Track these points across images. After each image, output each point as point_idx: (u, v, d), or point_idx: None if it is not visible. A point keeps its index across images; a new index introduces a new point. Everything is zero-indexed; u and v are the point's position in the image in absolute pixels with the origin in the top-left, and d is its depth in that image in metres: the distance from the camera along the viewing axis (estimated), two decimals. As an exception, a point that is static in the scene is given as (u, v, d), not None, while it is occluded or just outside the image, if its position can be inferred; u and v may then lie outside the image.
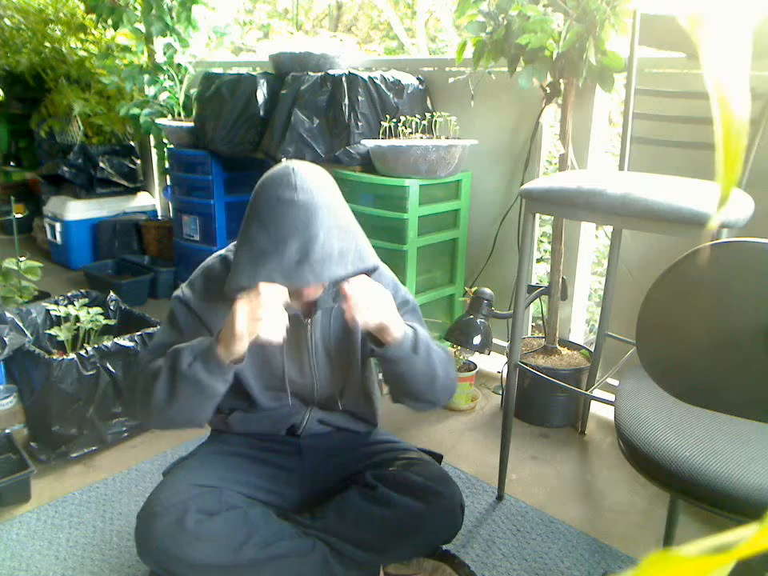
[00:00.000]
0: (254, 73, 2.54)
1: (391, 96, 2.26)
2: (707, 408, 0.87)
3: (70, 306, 1.98)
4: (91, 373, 1.76)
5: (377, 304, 1.05)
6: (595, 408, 2.03)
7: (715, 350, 0.83)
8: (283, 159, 1.10)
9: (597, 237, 2.33)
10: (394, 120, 2.13)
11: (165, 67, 3.07)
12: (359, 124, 2.20)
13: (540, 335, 2.18)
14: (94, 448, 1.79)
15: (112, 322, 2.09)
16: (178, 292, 1.20)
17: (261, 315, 0.98)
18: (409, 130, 2.10)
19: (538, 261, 2.59)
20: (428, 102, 2.38)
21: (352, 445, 1.34)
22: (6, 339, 1.79)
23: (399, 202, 2.03)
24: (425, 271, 2.18)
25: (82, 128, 3.47)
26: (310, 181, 1.05)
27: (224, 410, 1.27)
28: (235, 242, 1.18)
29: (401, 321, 1.11)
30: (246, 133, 2.49)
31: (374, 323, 1.05)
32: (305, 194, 1.03)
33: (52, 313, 2.02)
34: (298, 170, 1.06)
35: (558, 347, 2.03)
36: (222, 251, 1.23)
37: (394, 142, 2.05)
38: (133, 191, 3.62)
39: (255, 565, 1.14)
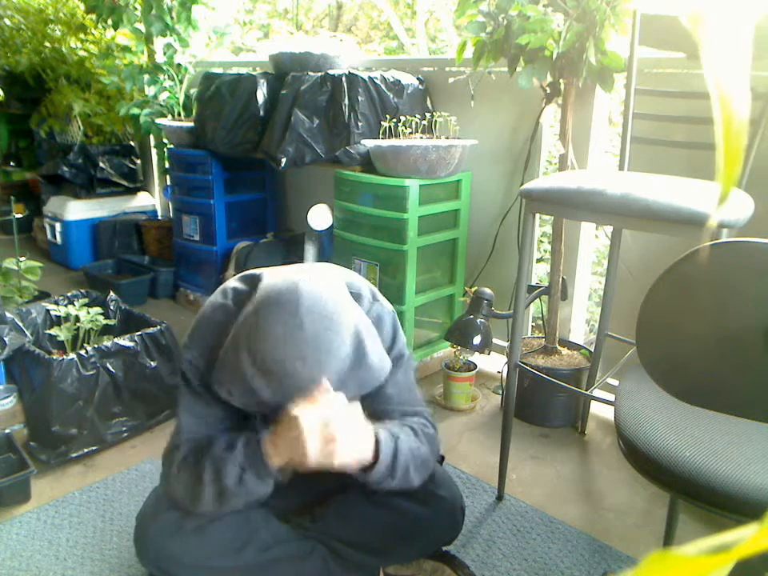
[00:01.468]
0: (254, 73, 2.54)
1: (391, 96, 2.26)
2: (707, 408, 0.87)
3: (70, 306, 1.98)
4: (91, 373, 1.76)
5: (343, 450, 0.99)
6: (595, 408, 2.03)
7: (715, 350, 0.83)
8: (295, 281, 1.00)
9: (597, 237, 2.33)
10: (394, 120, 2.13)
11: (165, 67, 3.07)
12: (359, 124, 2.20)
13: (540, 335, 2.17)
14: (94, 448, 1.79)
15: (112, 322, 2.09)
16: (185, 354, 1.12)
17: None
18: (409, 130, 2.10)
19: (538, 261, 2.59)
20: (428, 102, 2.38)
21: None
22: (5, 339, 1.79)
23: (399, 202, 2.03)
24: (425, 271, 2.18)
25: (81, 128, 3.47)
26: (322, 333, 0.96)
27: None
28: (234, 285, 1.13)
29: (370, 451, 1.04)
30: (246, 133, 2.49)
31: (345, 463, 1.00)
32: (314, 357, 0.95)
33: (52, 313, 2.02)
34: (307, 325, 0.95)
35: (558, 347, 2.03)
36: (219, 297, 1.13)
37: (394, 142, 2.05)
38: (133, 191, 3.62)
39: (255, 567, 1.14)
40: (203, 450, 1.08)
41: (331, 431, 0.96)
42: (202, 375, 1.11)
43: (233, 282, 1.15)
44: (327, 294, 1.00)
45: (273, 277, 1.06)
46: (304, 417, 0.97)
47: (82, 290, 2.24)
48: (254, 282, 1.11)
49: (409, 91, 2.30)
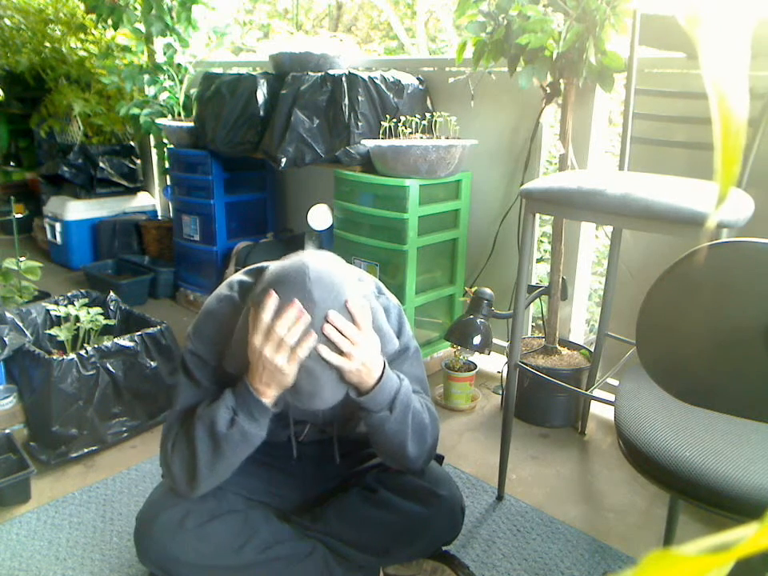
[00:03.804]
0: (254, 73, 2.54)
1: (391, 96, 2.25)
2: (707, 408, 0.87)
3: (70, 306, 1.98)
4: (91, 373, 1.76)
5: (356, 351, 0.99)
6: (595, 408, 2.03)
7: (715, 350, 0.83)
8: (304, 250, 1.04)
9: (597, 237, 2.33)
10: (394, 120, 2.13)
11: (165, 67, 3.07)
12: (359, 124, 2.20)
13: (540, 335, 2.17)
14: (94, 448, 1.79)
15: (112, 322, 2.09)
16: (188, 344, 1.12)
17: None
18: (409, 130, 2.10)
19: (538, 261, 2.59)
20: (428, 101, 2.38)
21: (352, 448, 1.34)
22: (5, 339, 1.79)
23: (399, 202, 2.03)
24: (425, 271, 2.18)
25: (81, 128, 3.47)
26: (331, 302, 0.98)
27: None
28: (240, 278, 1.14)
29: (378, 373, 1.05)
30: (246, 133, 2.49)
31: (352, 368, 1.01)
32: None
33: (52, 313, 2.02)
34: (315, 295, 0.97)
35: (558, 347, 2.03)
36: (225, 290, 1.14)
37: (394, 142, 2.05)
38: (133, 191, 3.62)
39: (255, 566, 1.15)
40: (192, 416, 1.09)
41: (354, 334, 0.99)
42: (203, 366, 1.11)
43: (239, 276, 1.16)
44: (333, 269, 1.01)
45: (279, 264, 1.07)
46: (260, 343, 0.98)
47: (82, 290, 2.24)
48: (260, 274, 1.11)
49: (409, 91, 2.30)
